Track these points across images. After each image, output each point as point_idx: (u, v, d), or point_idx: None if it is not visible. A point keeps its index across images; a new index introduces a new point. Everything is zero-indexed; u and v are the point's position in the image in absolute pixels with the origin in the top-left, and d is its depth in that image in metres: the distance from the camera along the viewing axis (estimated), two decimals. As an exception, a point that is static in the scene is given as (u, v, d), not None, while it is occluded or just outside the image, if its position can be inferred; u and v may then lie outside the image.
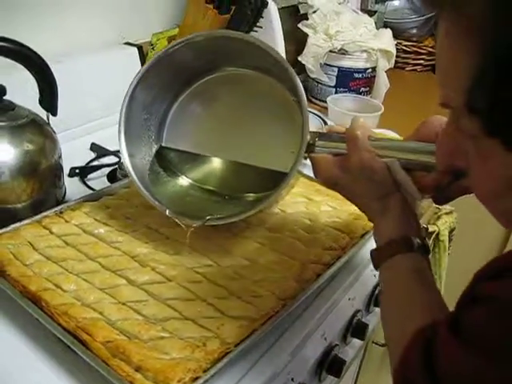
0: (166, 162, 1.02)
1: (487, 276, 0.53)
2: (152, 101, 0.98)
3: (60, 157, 1.01)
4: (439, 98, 0.54)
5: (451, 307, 0.72)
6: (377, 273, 1.00)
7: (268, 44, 0.88)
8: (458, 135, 0.55)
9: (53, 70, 0.98)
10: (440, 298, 0.69)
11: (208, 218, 0.87)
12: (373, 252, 0.76)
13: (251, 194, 0.97)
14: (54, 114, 1.01)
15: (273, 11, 1.52)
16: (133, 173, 0.92)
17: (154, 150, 1.01)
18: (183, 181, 1.02)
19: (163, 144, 1.03)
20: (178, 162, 1.03)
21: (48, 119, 1.01)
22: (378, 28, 1.71)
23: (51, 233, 0.90)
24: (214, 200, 0.99)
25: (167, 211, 0.89)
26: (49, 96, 1.00)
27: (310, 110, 0.86)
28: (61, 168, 1.03)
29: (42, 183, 0.97)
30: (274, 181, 0.88)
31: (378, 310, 1.04)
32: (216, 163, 1.03)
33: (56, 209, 0.95)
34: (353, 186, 0.78)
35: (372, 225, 0.98)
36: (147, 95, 0.96)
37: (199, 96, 1.02)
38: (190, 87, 1.02)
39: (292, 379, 0.79)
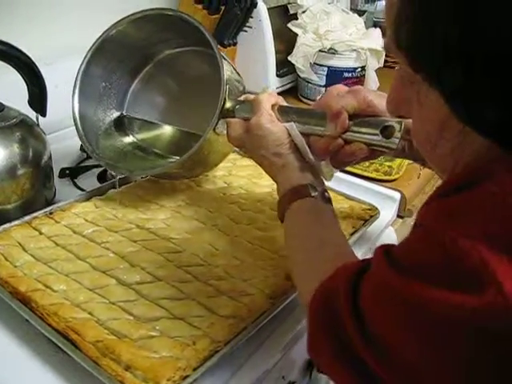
0: (122, 126, 1.12)
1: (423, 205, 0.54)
2: (110, 72, 1.08)
3: (50, 158, 1.01)
4: (383, 43, 0.57)
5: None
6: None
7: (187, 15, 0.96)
8: (403, 85, 0.57)
9: (42, 71, 0.98)
10: (339, 233, 0.75)
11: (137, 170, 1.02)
12: (276, 206, 0.81)
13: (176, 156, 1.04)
14: (44, 115, 1.01)
15: (262, 11, 1.53)
16: (78, 120, 1.01)
17: (113, 116, 1.12)
18: (127, 138, 1.12)
19: (124, 112, 1.13)
20: (134, 126, 1.13)
21: (37, 120, 1.01)
22: (367, 27, 1.71)
23: (41, 233, 0.90)
24: (149, 158, 1.09)
25: (94, 155, 0.99)
26: (38, 97, 1.00)
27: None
28: (51, 169, 1.03)
29: (31, 184, 0.97)
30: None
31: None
32: (165, 130, 1.13)
33: (46, 210, 0.95)
34: (253, 145, 0.84)
35: (361, 223, 1.00)
36: (105, 66, 1.06)
37: (159, 72, 1.13)
38: (149, 64, 1.13)
39: (283, 377, 0.79)
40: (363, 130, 0.79)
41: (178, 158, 1.00)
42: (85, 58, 1.03)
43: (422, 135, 0.57)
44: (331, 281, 0.58)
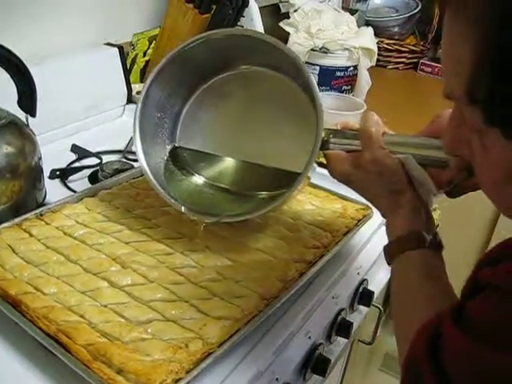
0: (179, 160, 1.02)
1: (485, 263, 0.54)
2: (165, 99, 0.99)
3: (40, 159, 1.00)
4: (443, 90, 0.55)
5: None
6: (360, 270, 1.02)
7: (280, 41, 0.89)
8: (462, 126, 0.56)
9: (32, 71, 0.97)
10: (449, 289, 0.70)
11: (223, 215, 0.89)
12: (385, 247, 0.77)
13: (264, 193, 0.97)
14: (33, 115, 1.00)
15: (254, 10, 1.52)
16: (148, 171, 0.93)
17: (168, 149, 1.02)
18: (197, 179, 1.02)
19: (176, 144, 1.03)
20: (192, 160, 1.03)
21: (27, 121, 1.00)
22: (359, 26, 1.71)
23: (31, 236, 0.89)
24: (228, 198, 0.99)
25: (182, 208, 0.90)
26: (28, 97, 0.98)
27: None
28: (41, 170, 1.02)
29: (21, 185, 0.95)
30: (286, 179, 0.90)
31: (362, 308, 1.04)
32: (229, 162, 1.03)
33: (36, 211, 0.94)
34: (365, 182, 0.79)
35: (354, 223, 0.99)
36: (161, 94, 0.97)
37: (212, 94, 1.03)
38: (203, 86, 1.03)
39: (277, 379, 0.78)
40: None
41: (264, 193, 0.96)
42: (146, 84, 0.95)
43: (488, 177, 0.56)
44: (411, 351, 0.58)
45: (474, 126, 0.53)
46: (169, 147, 1.02)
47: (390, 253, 0.76)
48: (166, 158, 1.01)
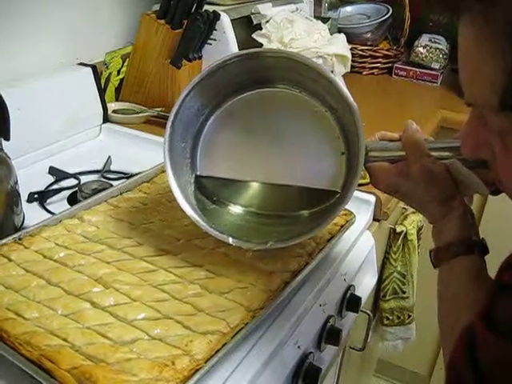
0: (205, 189, 0.98)
1: (509, 264, 0.56)
2: (186, 127, 0.95)
3: (16, 182, 0.99)
4: (465, 98, 0.58)
5: (420, 306, 0.72)
6: (346, 277, 1.01)
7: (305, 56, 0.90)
8: (481, 130, 0.58)
9: (4, 94, 0.96)
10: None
11: (273, 241, 0.86)
12: (432, 252, 0.79)
13: (304, 211, 0.95)
14: (7, 138, 0.98)
15: (225, 23, 1.52)
16: (194, 214, 0.89)
17: (192, 179, 0.98)
18: (232, 208, 0.98)
19: (198, 173, 0.99)
20: (217, 188, 0.99)
21: (1, 145, 0.98)
22: (332, 34, 1.71)
23: (10, 260, 0.87)
24: (267, 222, 0.96)
25: (230, 239, 0.87)
26: (1, 121, 0.97)
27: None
28: (18, 194, 1.00)
29: (-2, 211, 0.94)
30: (319, 194, 0.91)
31: (350, 314, 1.04)
32: (256, 185, 0.99)
33: (14, 235, 0.92)
34: (415, 191, 0.80)
35: (337, 229, 0.99)
36: (183, 122, 0.93)
37: (228, 118, 0.99)
38: (217, 110, 0.99)
39: (266, 391, 0.77)
40: None
41: (305, 211, 0.95)
42: (171, 114, 0.91)
43: (511, 178, 0.58)
44: (451, 358, 0.60)
45: (499, 129, 0.55)
46: (192, 177, 0.98)
47: (439, 258, 0.77)
48: (193, 188, 0.97)
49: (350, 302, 1.01)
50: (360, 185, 1.18)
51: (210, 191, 0.98)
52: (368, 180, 1.19)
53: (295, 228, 0.90)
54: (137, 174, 1.15)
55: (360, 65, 2.10)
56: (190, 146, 0.98)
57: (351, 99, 0.84)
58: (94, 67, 1.41)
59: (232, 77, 0.93)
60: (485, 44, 0.52)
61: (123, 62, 1.53)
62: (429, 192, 0.78)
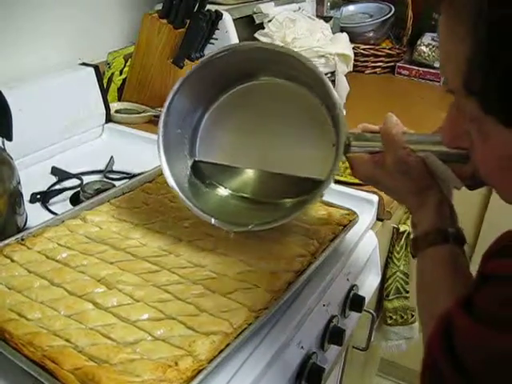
0: (201, 174, 1.04)
1: (490, 255, 0.57)
2: (184, 115, 1.01)
3: (19, 183, 0.99)
4: (444, 84, 0.59)
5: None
6: (349, 276, 1.01)
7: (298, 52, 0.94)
8: (461, 119, 0.59)
9: (6, 95, 0.96)
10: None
11: (253, 224, 0.91)
12: (411, 241, 0.81)
13: (288, 200, 0.99)
14: (10, 139, 0.99)
15: (228, 22, 1.52)
16: (177, 189, 0.95)
17: (189, 164, 1.04)
18: (221, 191, 1.04)
19: (197, 158, 1.05)
20: (214, 173, 1.05)
21: (3, 145, 0.98)
22: (334, 33, 1.71)
23: (13, 261, 0.87)
24: (253, 207, 1.01)
25: (212, 220, 0.92)
26: (3, 121, 0.97)
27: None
28: (20, 195, 1.00)
29: (1, 211, 0.94)
30: (307, 185, 0.94)
31: (354, 314, 1.03)
32: (250, 172, 1.05)
33: (17, 236, 0.92)
34: (391, 182, 0.82)
35: (340, 229, 0.98)
36: (179, 111, 0.99)
37: (228, 107, 1.04)
38: (219, 98, 1.04)
39: (268, 392, 0.77)
40: None
41: (289, 200, 0.99)
42: (166, 101, 0.96)
43: (488, 166, 0.59)
44: (428, 347, 0.61)
45: (472, 116, 0.56)
46: (190, 162, 1.04)
47: (416, 247, 0.79)
48: (188, 173, 1.03)
49: (354, 301, 1.00)
50: (362, 184, 1.18)
51: (205, 176, 1.04)
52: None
53: (276, 214, 0.93)
54: (139, 174, 1.15)
55: (362, 64, 2.10)
56: (190, 132, 1.04)
57: (326, 80, 0.88)
58: (96, 67, 1.41)
59: (228, 68, 0.98)
60: (450, 27, 0.55)
61: (125, 62, 1.53)
62: (405, 183, 0.80)
